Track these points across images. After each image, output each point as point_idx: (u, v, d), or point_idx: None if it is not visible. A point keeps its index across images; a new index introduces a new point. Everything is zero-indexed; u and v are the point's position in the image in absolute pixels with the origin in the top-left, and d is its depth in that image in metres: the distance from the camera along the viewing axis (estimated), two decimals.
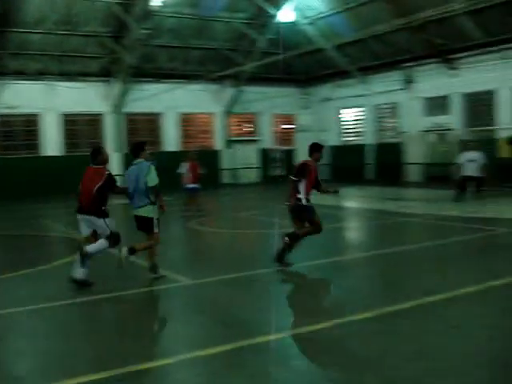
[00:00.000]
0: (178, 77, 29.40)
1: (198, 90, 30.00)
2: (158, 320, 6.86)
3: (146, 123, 29.91)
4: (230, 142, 31.92)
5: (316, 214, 9.30)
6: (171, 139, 30.20)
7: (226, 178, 31.67)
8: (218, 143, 31.83)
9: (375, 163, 29.68)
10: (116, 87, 27.94)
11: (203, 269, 9.54)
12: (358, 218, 16.61)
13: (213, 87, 30.86)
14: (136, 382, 4.87)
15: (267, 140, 33.39)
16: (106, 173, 8.28)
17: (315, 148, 9.58)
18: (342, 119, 32.85)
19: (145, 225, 8.59)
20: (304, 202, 9.18)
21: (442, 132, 26.90)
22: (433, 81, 26.42)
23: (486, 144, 22.07)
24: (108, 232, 8.20)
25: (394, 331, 5.92)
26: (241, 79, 30.59)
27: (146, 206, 8.48)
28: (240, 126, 33.20)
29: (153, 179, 8.45)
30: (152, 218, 8.52)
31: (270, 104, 32.22)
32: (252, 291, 7.90)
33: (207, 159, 30.41)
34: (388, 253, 10.41)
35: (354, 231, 14.50)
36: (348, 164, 29.86)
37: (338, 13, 27.36)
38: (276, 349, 5.51)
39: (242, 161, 32.41)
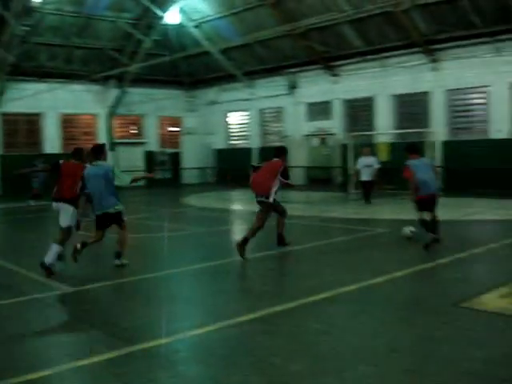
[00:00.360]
0: (59, 76, 28.41)
1: (81, 90, 29.17)
2: (34, 330, 6.48)
3: (25, 124, 28.60)
4: (114, 145, 31.19)
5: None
6: (52, 141, 29.04)
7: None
8: None
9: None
10: None
11: (84, 275, 9.22)
12: (244, 221, 16.74)
13: (96, 88, 30.08)
14: None
15: (153, 143, 32.97)
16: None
17: (282, 151, 10.86)
18: (229, 123, 33.06)
19: (115, 219, 9.25)
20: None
21: (324, 136, 27.75)
22: (315, 86, 27.21)
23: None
24: None
25: (277, 331, 5.99)
26: (126, 80, 30.02)
27: (115, 204, 9.16)
28: (125, 127, 32.55)
29: (122, 179, 9.20)
30: (120, 212, 9.27)
31: (155, 106, 31.91)
32: (135, 297, 7.73)
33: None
34: (273, 254, 10.56)
35: (240, 234, 14.58)
36: (234, 167, 30.10)
37: (224, 17, 27.54)
38: (162, 354, 5.42)
39: (126, 163, 31.71)
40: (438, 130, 22.72)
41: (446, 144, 22.70)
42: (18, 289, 8.31)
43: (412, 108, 24.35)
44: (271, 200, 10.14)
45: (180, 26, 29.52)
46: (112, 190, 9.11)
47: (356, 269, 9.15)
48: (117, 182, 9.12)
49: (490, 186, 20.40)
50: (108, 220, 9.26)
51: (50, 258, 8.81)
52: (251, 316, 6.47)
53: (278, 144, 29.27)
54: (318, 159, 27.63)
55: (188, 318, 6.76)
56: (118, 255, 9.44)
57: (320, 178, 27.27)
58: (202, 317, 6.73)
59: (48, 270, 8.75)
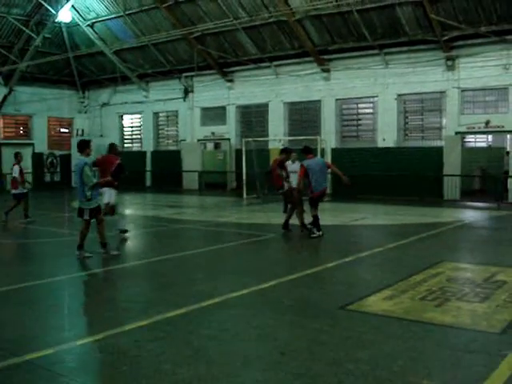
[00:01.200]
0: None
1: None
2: None
3: None
4: (0, 145, 29.78)
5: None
6: None
7: None
8: None
9: (153, 171, 29.75)
10: None
11: None
12: (135, 226, 16.48)
13: None
14: None
15: (41, 144, 31.75)
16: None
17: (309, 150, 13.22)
18: (122, 125, 32.46)
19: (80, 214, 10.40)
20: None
21: (218, 141, 27.87)
22: (210, 91, 27.32)
23: (260, 154, 23.34)
24: None
25: (167, 337, 5.93)
26: (14, 78, 28.74)
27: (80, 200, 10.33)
28: (12, 128, 31.13)
29: (86, 178, 9.93)
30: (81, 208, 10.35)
31: (45, 106, 30.82)
32: (20, 306, 7.38)
33: None
34: (165, 259, 10.46)
35: (132, 239, 14.33)
36: (129, 171, 29.40)
37: (118, 17, 27.04)
38: (46, 365, 5.20)
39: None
40: (328, 137, 23.44)
41: (335, 151, 23.44)
42: None
43: (304, 115, 24.99)
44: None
45: (73, 25, 28.71)
46: (81, 185, 10.16)
47: (247, 273, 9.22)
48: (85, 180, 9.99)
49: (375, 192, 21.27)
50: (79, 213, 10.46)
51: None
52: (141, 323, 6.36)
53: (171, 148, 29.14)
54: (212, 164, 27.69)
55: (74, 327, 6.53)
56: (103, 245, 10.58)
57: (214, 183, 27.33)
58: (89, 326, 6.56)
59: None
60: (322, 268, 9.46)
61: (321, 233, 12.49)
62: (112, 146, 13.66)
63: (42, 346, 5.67)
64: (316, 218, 12.41)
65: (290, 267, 9.58)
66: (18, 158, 16.62)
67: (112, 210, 12.85)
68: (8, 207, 16.01)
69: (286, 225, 13.55)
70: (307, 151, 13.10)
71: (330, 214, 13.76)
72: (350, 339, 5.86)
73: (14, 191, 16.22)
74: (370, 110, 23.36)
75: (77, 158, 10.43)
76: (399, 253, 11.03)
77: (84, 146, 10.31)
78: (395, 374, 4.93)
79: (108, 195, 12.74)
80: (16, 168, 16.24)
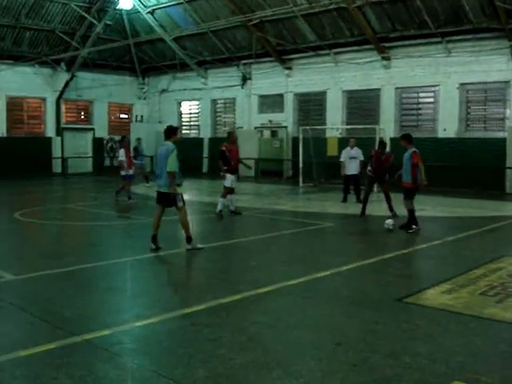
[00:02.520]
0: (7, 57, 27.59)
1: (29, 72, 28.48)
2: None
3: None
4: (61, 130, 30.54)
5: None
6: None
7: (57, 168, 30.25)
8: (49, 130, 30.30)
9: (210, 157, 29.91)
10: None
11: (27, 263, 9.03)
12: (193, 211, 16.63)
13: (45, 71, 29.37)
14: None
15: (102, 129, 32.38)
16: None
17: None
18: (181, 112, 32.75)
19: (168, 200, 9.69)
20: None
21: (275, 129, 27.81)
22: (268, 79, 27.23)
23: (317, 142, 23.19)
24: None
25: (223, 324, 5.97)
26: (76, 64, 29.35)
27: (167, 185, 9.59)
28: (73, 113, 31.86)
29: (170, 164, 9.43)
30: (174, 194, 9.58)
31: (105, 92, 31.35)
32: (81, 286, 7.58)
33: (37, 147, 29.07)
34: (221, 245, 10.53)
35: (190, 224, 14.47)
36: (186, 157, 29.70)
37: (178, 4, 27.20)
38: (105, 346, 5.32)
39: (74, 149, 31.15)
40: (387, 126, 23.06)
41: (394, 140, 23.02)
42: None
43: (363, 104, 24.65)
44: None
45: (133, 12, 29.04)
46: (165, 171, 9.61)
47: (304, 262, 9.20)
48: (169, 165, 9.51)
49: (434, 184, 20.75)
50: (163, 199, 9.79)
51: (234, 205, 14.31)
52: (196, 308, 6.43)
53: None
54: (268, 151, 27.67)
55: (132, 309, 6.66)
56: (188, 240, 9.75)
57: (271, 171, 27.32)
58: (147, 308, 6.65)
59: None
60: (379, 259, 9.34)
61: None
62: (228, 134, 15.13)
63: (100, 327, 5.80)
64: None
65: (347, 257, 9.49)
66: (124, 141, 17.57)
67: (231, 191, 14.23)
68: (117, 187, 17.32)
69: (363, 212, 14.02)
70: (411, 139, 12.43)
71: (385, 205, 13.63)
72: (407, 332, 5.77)
73: (122, 173, 17.09)
74: (431, 100, 22.84)
75: (163, 144, 9.93)
76: (458, 246, 10.79)
77: (171, 132, 10.04)
78: (454, 369, 4.83)
79: (230, 180, 14.06)
80: (122, 151, 17.17)
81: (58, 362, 4.91)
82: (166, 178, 9.58)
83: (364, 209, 14.08)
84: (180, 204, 9.62)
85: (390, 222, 12.09)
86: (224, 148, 14.35)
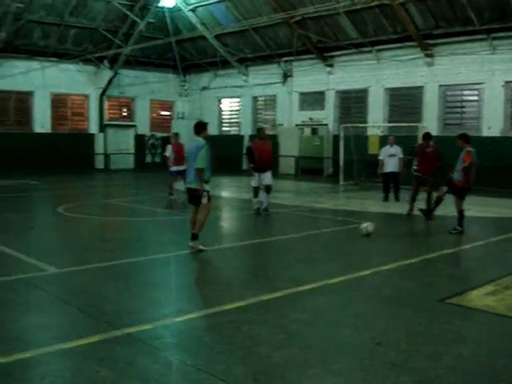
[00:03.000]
0: (51, 55, 28.17)
1: (73, 70, 29.03)
2: (19, 311, 6.37)
3: (15, 102, 28.32)
4: (104, 126, 31.00)
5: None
6: (42, 120, 28.81)
7: (99, 164, 30.74)
8: (92, 126, 30.80)
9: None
10: None
11: (70, 257, 9.19)
12: (232, 208, 16.70)
13: (88, 68, 29.88)
14: None
15: (143, 126, 32.75)
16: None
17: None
18: (221, 109, 32.88)
19: (195, 196, 9.52)
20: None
21: (315, 126, 27.69)
22: (309, 76, 27.12)
23: (358, 140, 23.03)
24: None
25: (263, 321, 5.97)
26: (119, 61, 29.75)
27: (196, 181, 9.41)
28: (116, 109, 32.30)
29: (199, 161, 9.25)
30: (201, 190, 9.36)
31: (147, 89, 31.71)
32: (123, 280, 7.67)
33: (80, 143, 29.59)
34: (260, 243, 10.53)
35: (228, 221, 14.57)
36: (226, 154, 29.90)
37: (219, 2, 27.29)
38: (146, 340, 5.37)
39: (116, 146, 31.59)
40: (430, 124, 22.71)
41: (437, 139, 22.65)
42: (4, 269, 8.23)
43: (405, 102, 24.34)
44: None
45: (175, 10, 29.26)
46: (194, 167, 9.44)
47: (344, 260, 9.14)
48: (197, 164, 9.32)
49: (478, 183, 20.35)
50: (192, 196, 9.64)
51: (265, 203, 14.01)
52: (236, 305, 6.44)
53: (268, 133, 29.24)
54: (309, 149, 27.56)
55: (173, 304, 6.72)
56: (194, 237, 9.43)
57: (311, 168, 27.22)
58: (187, 304, 6.70)
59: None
60: (421, 259, 9.21)
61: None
62: (258, 131, 14.94)
63: (141, 321, 5.87)
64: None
65: (387, 256, 9.39)
66: (174, 138, 17.86)
67: (268, 188, 14.14)
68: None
69: (429, 212, 13.24)
70: (468, 140, 11.96)
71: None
72: (449, 333, 5.67)
73: (171, 168, 17.29)
74: (475, 98, 22.41)
75: (193, 140, 9.81)
76: (502, 247, 10.56)
77: (201, 128, 9.82)
78: (498, 372, 4.74)
79: (254, 179, 14.01)
80: (168, 147, 17.54)
81: (100, 354, 4.98)
82: (195, 174, 9.44)
83: (411, 207, 13.89)
84: (204, 201, 9.43)
85: (365, 226, 11.11)
86: (251, 145, 14.30)
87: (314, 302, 6.72)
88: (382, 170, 17.05)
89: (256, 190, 14.14)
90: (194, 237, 9.37)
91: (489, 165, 20.50)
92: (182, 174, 16.89)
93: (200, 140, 9.60)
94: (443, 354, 5.09)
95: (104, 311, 6.23)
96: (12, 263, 8.60)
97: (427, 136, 14.08)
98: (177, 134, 18.09)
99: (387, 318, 6.17)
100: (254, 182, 14.13)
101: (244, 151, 29.77)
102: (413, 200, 13.91)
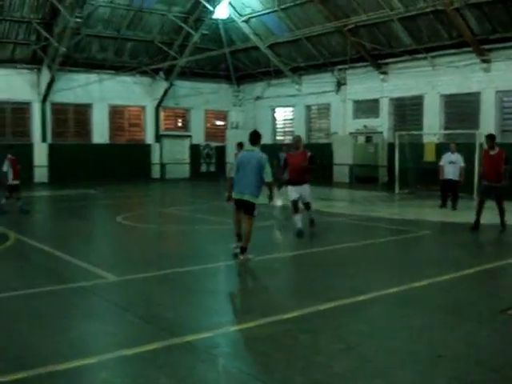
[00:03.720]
0: (109, 68, 28.89)
1: (130, 82, 29.71)
2: (80, 317, 6.55)
3: (75, 114, 29.19)
4: (160, 137, 31.55)
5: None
6: (100, 131, 29.56)
7: (155, 173, 31.29)
8: (148, 137, 31.39)
9: None
10: (45, 75, 27.13)
11: (129, 265, 9.37)
12: (287, 217, 16.67)
13: (145, 80, 30.50)
14: (56, 383, 4.67)
15: (198, 136, 33.17)
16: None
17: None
18: (275, 118, 32.97)
19: (249, 208, 9.26)
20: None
21: (369, 134, 27.46)
22: (363, 84, 26.94)
23: (414, 148, 22.71)
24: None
25: (320, 330, 5.95)
26: (174, 73, 30.24)
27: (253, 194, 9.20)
28: (171, 120, 32.81)
29: (269, 174, 9.20)
30: (254, 204, 9.24)
31: (202, 100, 32.10)
32: (180, 289, 7.78)
33: (137, 153, 30.21)
34: (316, 252, 10.50)
35: (282, 230, 14.55)
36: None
37: (272, 12, 27.45)
38: (204, 348, 5.44)
39: (172, 156, 32.09)
40: (487, 131, 22.19)
41: None
42: (65, 276, 8.47)
43: (461, 108, 23.88)
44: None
45: (229, 21, 29.57)
46: (257, 179, 9.26)
47: (401, 270, 9.03)
48: (266, 178, 9.26)
49: None
50: (243, 205, 9.37)
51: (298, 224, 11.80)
52: (294, 314, 6.44)
53: (322, 141, 29.12)
54: (363, 157, 27.34)
55: (230, 313, 6.79)
56: (242, 250, 9.23)
57: (365, 177, 26.99)
58: (244, 313, 6.75)
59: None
60: (479, 269, 9.00)
61: None
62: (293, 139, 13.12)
63: (199, 329, 5.93)
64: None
65: (445, 266, 9.21)
66: (238, 147, 17.96)
67: (308, 206, 12.49)
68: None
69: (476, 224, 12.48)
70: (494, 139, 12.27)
71: (490, 212, 13.05)
72: (511, 345, 5.54)
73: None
74: None
75: (250, 150, 9.47)
76: None
77: (258, 137, 9.54)
78: None
79: (290, 192, 12.17)
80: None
81: (159, 362, 5.07)
82: (254, 187, 9.19)
83: (477, 221, 12.43)
84: (255, 213, 9.33)
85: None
86: (285, 154, 13.19)
87: (372, 312, 6.66)
88: (442, 176, 16.94)
89: (295, 205, 12.07)
90: (243, 250, 9.20)
91: None
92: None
93: (258, 151, 9.39)
94: (506, 366, 4.98)
95: (163, 319, 6.34)
96: (73, 271, 8.83)
97: (491, 137, 12.94)
98: (241, 144, 18.32)
99: (447, 330, 6.06)
100: (290, 195, 12.18)
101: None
102: (477, 214, 12.47)
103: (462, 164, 16.84)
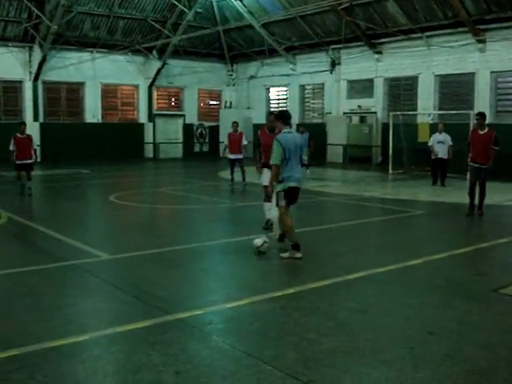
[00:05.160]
0: (101, 46, 28.61)
1: (122, 60, 29.46)
2: (73, 295, 6.55)
3: (67, 93, 28.93)
4: (153, 116, 31.39)
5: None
6: (92, 110, 29.35)
7: (149, 153, 31.18)
8: (141, 116, 31.23)
9: None
10: (36, 54, 26.87)
11: (122, 243, 9.38)
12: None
13: (137, 58, 30.26)
14: (50, 359, 4.68)
15: (192, 115, 33.02)
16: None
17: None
18: (269, 98, 32.84)
19: (297, 196, 8.51)
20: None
21: (364, 114, 27.41)
22: (358, 64, 26.81)
23: (408, 128, 22.68)
24: None
25: (312, 308, 5.97)
26: (167, 52, 30.02)
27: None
28: (164, 99, 32.63)
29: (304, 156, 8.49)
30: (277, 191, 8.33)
31: (195, 79, 31.91)
32: (173, 267, 7.78)
33: (130, 132, 30.07)
34: (310, 231, 10.51)
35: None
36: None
37: None
38: (197, 325, 5.45)
39: (165, 135, 31.97)
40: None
41: (489, 126, 22.17)
42: (58, 255, 8.45)
43: (456, 89, 23.83)
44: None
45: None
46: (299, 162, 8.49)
47: (394, 249, 9.06)
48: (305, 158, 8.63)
49: None
50: (295, 195, 8.50)
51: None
52: (286, 292, 6.47)
53: (316, 121, 29.07)
54: (357, 138, 27.30)
55: (222, 291, 6.79)
56: (281, 238, 8.76)
57: (359, 157, 26.98)
58: (237, 290, 6.75)
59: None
60: (473, 248, 9.05)
61: None
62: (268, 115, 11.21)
63: (193, 307, 5.95)
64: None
65: (439, 245, 9.25)
66: (233, 126, 18.14)
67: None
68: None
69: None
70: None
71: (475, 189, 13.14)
72: (503, 324, 5.57)
73: (229, 156, 17.81)
74: None
75: (288, 131, 8.40)
76: None
77: (289, 118, 8.69)
78: None
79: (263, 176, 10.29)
80: (226, 136, 18.08)
81: (152, 339, 5.07)
82: (298, 168, 8.39)
83: (471, 205, 12.12)
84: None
85: (258, 241, 8.51)
86: (259, 133, 10.78)
87: (364, 290, 6.68)
88: (434, 155, 17.94)
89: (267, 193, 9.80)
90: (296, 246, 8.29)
91: None
92: (240, 162, 17.32)
93: (294, 132, 8.55)
94: (497, 344, 5.01)
95: (155, 296, 6.34)
96: (66, 249, 8.81)
97: (481, 114, 12.38)
98: (236, 123, 18.30)
99: (439, 308, 6.09)
100: (263, 179, 10.34)
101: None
102: (470, 197, 12.13)
103: (450, 143, 17.80)
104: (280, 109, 31.85)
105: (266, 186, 9.71)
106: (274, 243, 8.76)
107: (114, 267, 7.87)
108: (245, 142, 17.54)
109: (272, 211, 9.38)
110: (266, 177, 9.74)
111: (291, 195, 8.35)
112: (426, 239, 10.10)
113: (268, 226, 9.98)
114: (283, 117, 8.54)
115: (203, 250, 9.01)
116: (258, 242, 8.42)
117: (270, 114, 10.57)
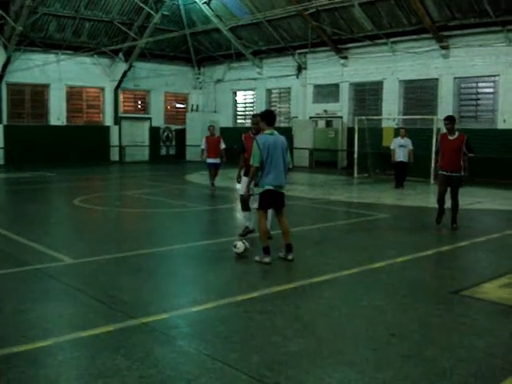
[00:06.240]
0: (67, 48, 28.31)
1: (88, 63, 29.24)
2: (36, 300, 6.44)
3: (31, 94, 28.52)
4: (119, 119, 31.17)
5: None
6: (57, 112, 28.99)
7: (114, 156, 30.94)
8: (107, 119, 30.96)
9: None
10: (0, 55, 26.44)
11: (86, 248, 9.28)
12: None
13: (104, 61, 30.03)
14: (11, 366, 4.61)
15: (158, 118, 32.88)
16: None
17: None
18: (236, 101, 32.88)
19: (281, 201, 8.39)
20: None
21: (330, 119, 27.63)
22: (324, 69, 27.06)
23: (373, 133, 22.96)
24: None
25: (277, 311, 6.01)
26: (133, 54, 29.84)
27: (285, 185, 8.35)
28: (130, 102, 32.42)
29: (288, 159, 8.43)
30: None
31: (162, 82, 31.81)
32: (137, 271, 7.73)
33: (96, 135, 29.80)
34: (275, 234, 10.54)
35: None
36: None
37: None
38: (161, 329, 5.44)
39: (131, 138, 31.76)
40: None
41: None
42: (21, 259, 8.34)
43: (420, 94, 24.21)
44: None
45: (190, 2, 29.31)
46: (283, 167, 8.29)
47: (357, 252, 9.15)
48: (289, 164, 8.53)
49: (493, 176, 20.29)
50: (280, 200, 8.39)
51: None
52: (251, 295, 6.50)
53: (283, 125, 29.18)
54: (323, 142, 27.51)
55: (187, 294, 6.79)
56: (289, 248, 8.38)
57: (325, 161, 27.18)
58: (202, 294, 6.76)
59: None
60: (434, 251, 9.22)
61: None
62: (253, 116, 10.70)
63: (157, 311, 5.94)
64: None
65: (402, 248, 9.39)
66: (209, 130, 17.96)
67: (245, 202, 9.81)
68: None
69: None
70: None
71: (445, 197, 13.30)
72: (463, 325, 5.69)
73: (207, 160, 17.44)
74: (491, 90, 22.25)
75: (270, 133, 8.14)
76: None
77: (274, 118, 8.36)
78: (511, 364, 4.75)
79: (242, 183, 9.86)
80: (203, 140, 17.71)
81: (116, 343, 5.05)
82: (284, 176, 8.28)
83: (439, 214, 11.55)
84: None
85: (240, 245, 8.55)
86: (243, 138, 10.56)
87: (329, 293, 6.75)
88: (394, 159, 18.57)
89: (245, 201, 9.75)
90: (290, 248, 8.35)
91: (504, 157, 20.44)
92: (216, 167, 17.14)
93: (277, 134, 8.24)
94: (457, 345, 5.12)
95: (120, 301, 6.31)
96: (29, 253, 8.71)
97: (450, 118, 11.31)
98: (213, 126, 18.24)
99: (401, 310, 6.19)
100: (241, 187, 9.94)
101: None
102: (440, 206, 11.49)
103: (411, 147, 18.58)
104: (246, 113, 31.95)
105: (242, 195, 9.41)
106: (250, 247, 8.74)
107: (77, 271, 7.79)
108: (223, 146, 17.45)
109: (252, 220, 9.44)
110: (244, 185, 9.31)
111: (267, 199, 8.20)
112: (390, 242, 10.24)
113: (245, 233, 9.91)
114: (267, 117, 8.31)
115: (169, 253, 8.99)
116: (240, 247, 8.43)
117: (253, 116, 10.44)
